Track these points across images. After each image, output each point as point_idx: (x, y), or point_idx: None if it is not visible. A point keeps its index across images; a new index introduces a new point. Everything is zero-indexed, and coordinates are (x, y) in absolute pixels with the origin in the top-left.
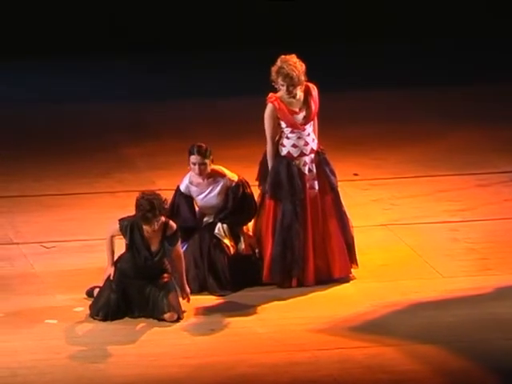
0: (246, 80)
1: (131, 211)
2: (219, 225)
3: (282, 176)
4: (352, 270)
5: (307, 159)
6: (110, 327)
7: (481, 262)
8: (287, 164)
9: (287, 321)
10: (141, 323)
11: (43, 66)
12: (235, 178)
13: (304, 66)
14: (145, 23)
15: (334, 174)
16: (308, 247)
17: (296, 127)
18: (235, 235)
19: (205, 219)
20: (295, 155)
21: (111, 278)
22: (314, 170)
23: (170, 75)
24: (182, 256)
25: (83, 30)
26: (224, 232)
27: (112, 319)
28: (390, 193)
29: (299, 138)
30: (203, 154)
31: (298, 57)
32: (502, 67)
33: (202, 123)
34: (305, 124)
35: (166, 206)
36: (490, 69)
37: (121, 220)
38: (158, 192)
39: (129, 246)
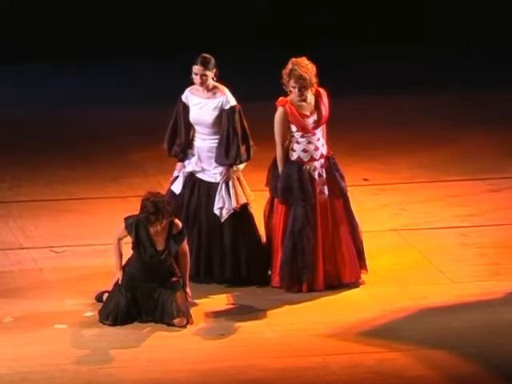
0: (253, 84)
1: None
2: (223, 205)
3: (293, 181)
4: (362, 275)
5: (317, 164)
6: (119, 332)
7: (491, 268)
8: (298, 169)
9: (297, 326)
10: (150, 328)
11: (53, 70)
12: (234, 101)
13: (315, 69)
14: (152, 27)
15: (343, 179)
16: (318, 252)
17: (307, 131)
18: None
19: (201, 167)
20: (305, 160)
21: (119, 282)
22: (324, 175)
23: (177, 78)
24: (188, 254)
25: (89, 33)
26: (229, 205)
27: (121, 324)
28: (400, 198)
29: (309, 142)
30: (206, 64)
31: (308, 59)
32: None
33: None
34: (315, 128)
35: (169, 206)
36: (503, 73)
37: (126, 218)
38: (163, 194)
39: (135, 245)
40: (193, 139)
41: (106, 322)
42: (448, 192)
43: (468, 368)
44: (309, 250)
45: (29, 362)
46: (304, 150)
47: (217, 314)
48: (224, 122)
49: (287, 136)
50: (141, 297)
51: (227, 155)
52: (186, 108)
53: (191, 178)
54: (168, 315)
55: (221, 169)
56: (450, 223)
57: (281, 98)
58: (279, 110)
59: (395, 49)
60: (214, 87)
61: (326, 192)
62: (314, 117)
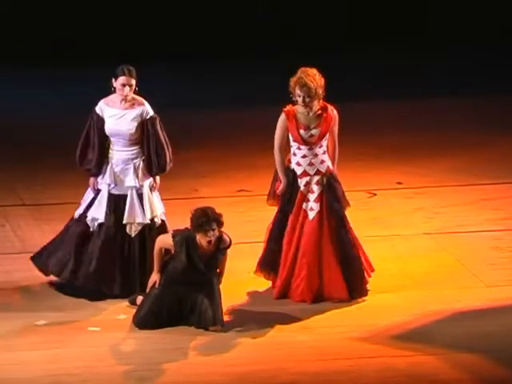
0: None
1: (174, 218)
2: (133, 219)
3: (289, 185)
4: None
5: (309, 179)
6: (153, 335)
7: None
8: (293, 177)
9: (329, 329)
10: (183, 331)
11: (82, 76)
12: (152, 111)
13: (323, 81)
14: (187, 31)
15: (339, 200)
16: (285, 262)
17: (300, 143)
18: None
19: (115, 180)
20: (298, 173)
21: (156, 285)
22: (317, 193)
23: (209, 82)
24: (227, 258)
25: (118, 39)
26: (142, 218)
27: (154, 327)
28: (434, 201)
29: (304, 156)
30: (132, 74)
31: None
32: None
33: (244, 131)
34: (311, 143)
35: (222, 219)
36: None
37: (174, 235)
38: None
39: (186, 262)
40: (107, 152)
41: (140, 325)
42: (481, 196)
43: (500, 372)
44: (273, 251)
45: (63, 365)
46: (298, 164)
47: (250, 318)
48: (147, 132)
49: (285, 142)
50: (177, 300)
51: (158, 165)
52: (100, 120)
53: (109, 199)
54: (205, 321)
55: (133, 182)
56: (483, 227)
57: (288, 106)
58: (281, 116)
59: (433, 55)
60: (132, 98)
61: (316, 209)
62: (313, 131)
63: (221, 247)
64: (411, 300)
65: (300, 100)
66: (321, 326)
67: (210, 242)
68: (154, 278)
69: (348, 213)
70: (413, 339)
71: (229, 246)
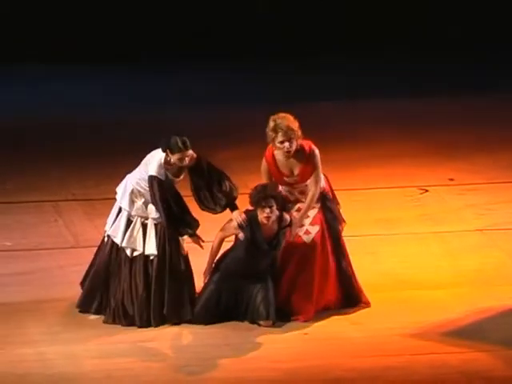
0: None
1: (227, 212)
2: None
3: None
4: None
5: (302, 205)
6: (205, 330)
7: None
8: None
9: (381, 325)
10: (236, 326)
11: (133, 72)
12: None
13: (297, 123)
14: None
15: (337, 220)
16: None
17: (285, 185)
18: None
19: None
20: (292, 199)
21: (203, 282)
22: (311, 216)
23: (260, 80)
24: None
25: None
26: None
27: (209, 322)
28: (486, 198)
29: (290, 192)
30: (188, 145)
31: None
32: None
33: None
34: (295, 183)
35: (280, 196)
36: None
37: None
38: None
39: (249, 243)
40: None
41: (193, 319)
42: None
43: None
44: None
45: (114, 360)
46: (289, 192)
47: None
48: (203, 173)
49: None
50: (234, 294)
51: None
52: (166, 183)
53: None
54: (258, 316)
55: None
56: None
57: (268, 149)
58: (263, 163)
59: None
60: None
61: (313, 232)
62: (294, 176)
63: (282, 226)
64: (463, 296)
65: (282, 146)
66: (372, 322)
67: (268, 218)
68: (207, 272)
69: (400, 209)
70: (465, 336)
71: (289, 225)
